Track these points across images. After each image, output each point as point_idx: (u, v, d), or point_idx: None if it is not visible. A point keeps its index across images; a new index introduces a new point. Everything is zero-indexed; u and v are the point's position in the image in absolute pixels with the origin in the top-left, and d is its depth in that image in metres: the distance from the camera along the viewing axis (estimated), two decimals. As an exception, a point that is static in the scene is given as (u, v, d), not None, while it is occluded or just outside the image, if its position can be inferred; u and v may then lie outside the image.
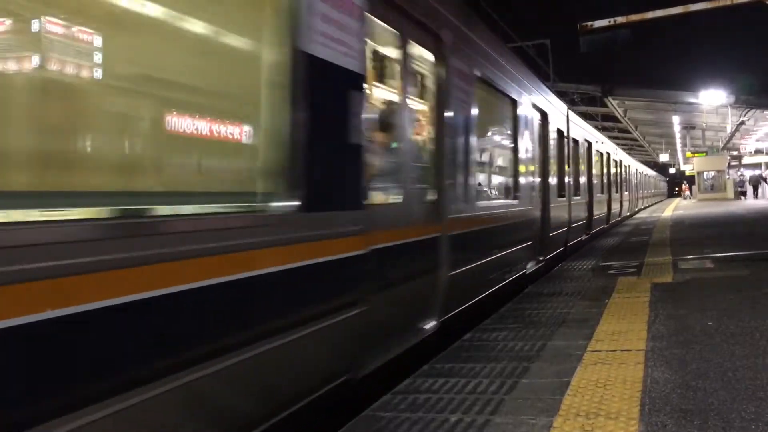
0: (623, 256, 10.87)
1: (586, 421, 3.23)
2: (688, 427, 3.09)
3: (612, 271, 8.98)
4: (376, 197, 4.27)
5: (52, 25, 2.36)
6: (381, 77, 5.07)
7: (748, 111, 25.87)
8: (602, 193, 17.59)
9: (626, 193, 23.85)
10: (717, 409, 3.29)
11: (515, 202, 8.20)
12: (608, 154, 19.22)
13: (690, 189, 50.91)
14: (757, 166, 47.68)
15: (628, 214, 23.57)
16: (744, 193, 41.67)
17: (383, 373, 4.32)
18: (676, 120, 31.15)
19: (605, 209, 17.87)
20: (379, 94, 5.00)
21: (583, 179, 14.67)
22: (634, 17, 13.81)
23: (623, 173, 23.15)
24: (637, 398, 3.52)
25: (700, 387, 3.65)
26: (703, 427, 3.08)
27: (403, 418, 3.51)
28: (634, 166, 28.19)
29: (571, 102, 19.63)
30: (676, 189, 72.08)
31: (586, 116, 23.67)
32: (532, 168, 9.23)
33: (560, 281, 8.49)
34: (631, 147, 43.98)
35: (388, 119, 4.79)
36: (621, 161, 23.25)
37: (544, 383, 3.94)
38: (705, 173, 43.47)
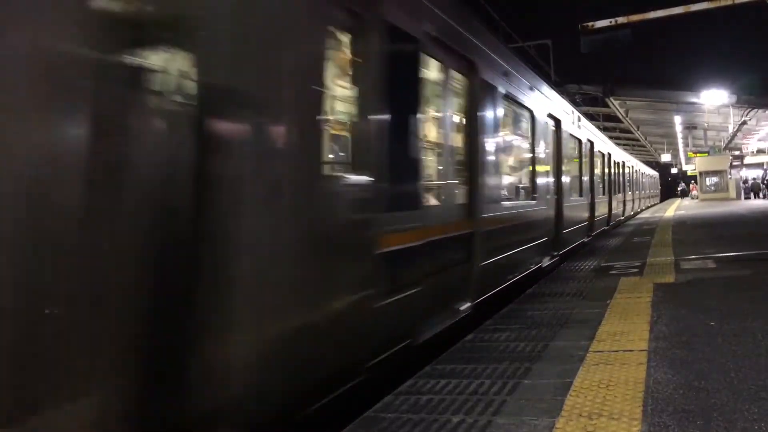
0: (625, 257, 10.85)
1: (589, 422, 3.23)
2: (691, 427, 3.08)
3: (614, 272, 8.97)
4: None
5: None
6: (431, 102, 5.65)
7: (749, 111, 25.79)
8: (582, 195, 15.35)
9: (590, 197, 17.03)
10: (720, 409, 3.29)
11: (533, 202, 8.92)
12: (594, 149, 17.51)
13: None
14: (759, 165, 47.60)
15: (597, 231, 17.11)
16: (749, 196, 42.19)
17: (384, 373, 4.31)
18: (677, 120, 31.05)
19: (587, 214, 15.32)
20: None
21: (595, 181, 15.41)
22: (635, 17, 13.78)
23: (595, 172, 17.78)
24: (639, 399, 3.52)
25: (702, 387, 3.65)
26: (705, 427, 3.07)
27: (405, 419, 3.51)
28: (618, 162, 23.38)
29: (572, 102, 19.58)
30: (678, 189, 71.74)
31: (587, 116, 23.55)
32: (547, 171, 9.92)
33: (562, 282, 8.48)
34: (632, 147, 43.89)
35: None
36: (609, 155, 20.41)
37: (547, 384, 3.94)
38: (707, 173, 43.49)
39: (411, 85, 4.87)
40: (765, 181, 42.93)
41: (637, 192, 32.37)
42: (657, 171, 57.14)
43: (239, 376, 2.96)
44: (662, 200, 58.18)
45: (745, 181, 45.21)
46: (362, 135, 4.20)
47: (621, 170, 23.91)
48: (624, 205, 24.39)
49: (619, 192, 22.66)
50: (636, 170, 32.16)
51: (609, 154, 19.87)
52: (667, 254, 10.63)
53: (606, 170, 19.18)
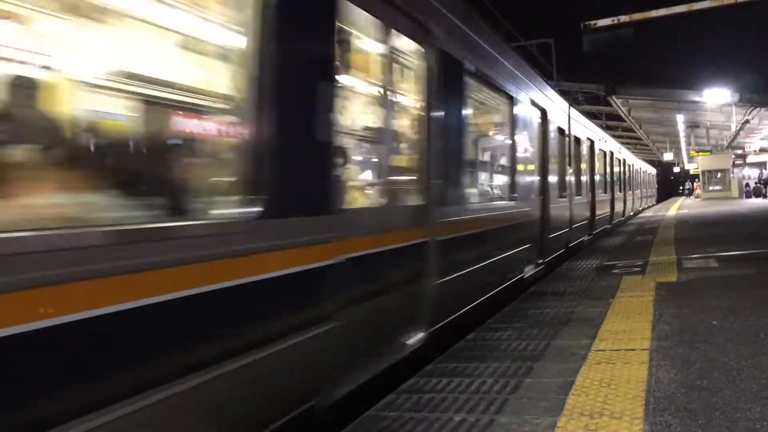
0: (627, 256, 10.85)
1: (591, 421, 3.23)
2: (693, 426, 3.08)
3: (616, 271, 8.96)
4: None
5: None
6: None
7: (752, 109, 25.73)
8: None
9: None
10: (722, 408, 3.29)
11: (579, 197, 12.90)
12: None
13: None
14: (762, 164, 47.53)
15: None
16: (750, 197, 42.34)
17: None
18: (680, 119, 31.01)
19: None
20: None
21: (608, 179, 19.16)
22: (637, 16, 13.75)
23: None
24: (641, 398, 3.52)
25: (704, 386, 3.65)
26: (707, 426, 3.07)
27: (407, 418, 3.52)
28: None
29: (574, 101, 19.54)
30: (681, 188, 71.62)
31: (590, 115, 23.53)
32: (582, 174, 13.85)
33: (564, 280, 8.48)
34: (635, 146, 43.79)
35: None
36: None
37: (549, 383, 3.94)
38: (710, 172, 43.46)
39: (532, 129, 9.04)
40: (763, 182, 42.88)
41: (646, 190, 38.17)
42: (659, 169, 55.73)
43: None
44: (660, 200, 52.64)
45: (747, 185, 45.28)
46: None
47: (632, 171, 28.98)
48: (633, 202, 28.97)
49: (630, 190, 27.30)
50: (644, 171, 37.52)
51: (624, 160, 24.93)
52: (670, 253, 10.62)
53: (624, 173, 24.23)
